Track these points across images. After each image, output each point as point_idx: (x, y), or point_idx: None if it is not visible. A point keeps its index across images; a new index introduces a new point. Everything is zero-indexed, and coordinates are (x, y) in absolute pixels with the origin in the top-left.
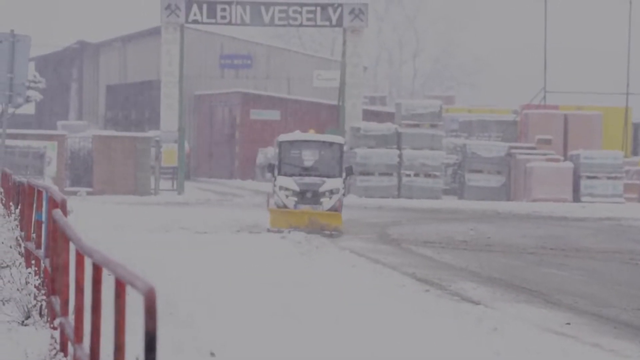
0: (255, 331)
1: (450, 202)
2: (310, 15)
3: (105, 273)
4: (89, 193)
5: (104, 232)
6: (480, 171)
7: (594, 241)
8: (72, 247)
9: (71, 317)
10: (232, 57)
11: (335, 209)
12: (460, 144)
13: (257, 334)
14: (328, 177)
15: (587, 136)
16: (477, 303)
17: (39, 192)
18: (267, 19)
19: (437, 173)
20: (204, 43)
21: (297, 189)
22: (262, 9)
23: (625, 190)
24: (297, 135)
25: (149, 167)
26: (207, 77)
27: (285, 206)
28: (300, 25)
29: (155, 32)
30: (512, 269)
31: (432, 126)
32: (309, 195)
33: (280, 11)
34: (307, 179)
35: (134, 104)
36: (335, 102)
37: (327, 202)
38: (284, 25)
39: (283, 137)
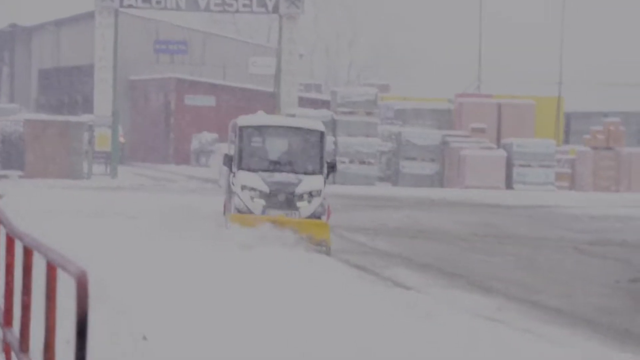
0: (190, 316)
1: (384, 189)
2: (247, 2)
3: (37, 257)
4: (20, 177)
5: (36, 216)
6: (414, 159)
7: (525, 228)
8: (2, 231)
9: (1, 300)
10: (167, 42)
11: (318, 217)
12: (395, 131)
13: (191, 320)
14: (305, 173)
15: (520, 125)
16: (410, 289)
17: None
18: (202, 4)
19: (372, 160)
20: (139, 28)
21: (266, 189)
22: None
23: (556, 179)
24: (262, 118)
25: (82, 152)
26: (142, 63)
27: (249, 211)
28: (237, 11)
29: (89, 16)
30: (445, 256)
31: (368, 114)
32: (281, 197)
33: None
34: (279, 176)
35: (67, 88)
36: (271, 89)
37: (305, 208)
38: (220, 12)
39: (244, 121)
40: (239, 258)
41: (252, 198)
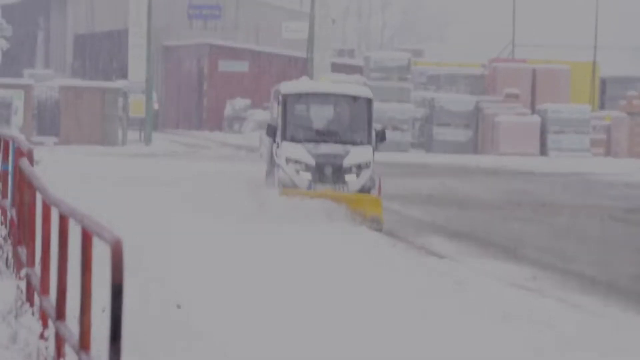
0: (224, 286)
1: (418, 156)
2: None
3: (72, 224)
4: (55, 143)
5: (72, 182)
6: (448, 125)
7: (560, 196)
8: (38, 198)
9: (37, 268)
10: (200, 7)
11: (367, 190)
12: (428, 97)
13: (225, 289)
14: (353, 144)
15: (555, 90)
16: (443, 257)
17: (5, 142)
18: None
19: (405, 126)
20: None
21: (312, 162)
22: None
23: (592, 145)
24: (307, 85)
25: (117, 118)
26: (176, 28)
27: (294, 185)
28: None
29: None
30: (480, 224)
31: (400, 79)
32: (328, 171)
33: None
34: (325, 147)
35: (102, 53)
36: (304, 55)
37: (354, 182)
38: None
39: (288, 88)
40: (275, 233)
41: (297, 171)
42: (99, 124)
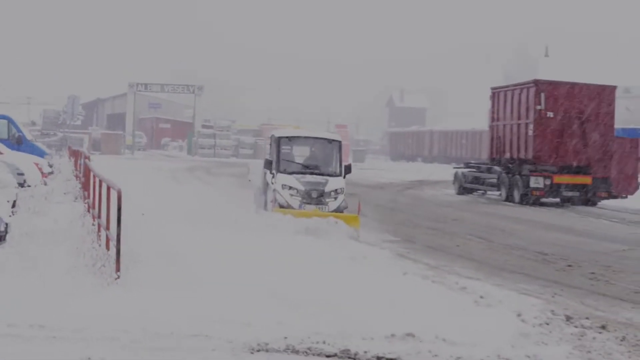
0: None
1: None
2: None
3: (104, 186)
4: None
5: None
6: None
7: None
8: (91, 175)
9: (90, 200)
10: None
11: (341, 210)
12: None
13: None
14: (329, 175)
15: None
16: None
17: (79, 152)
18: None
19: None
20: None
21: (302, 188)
22: None
23: None
24: (293, 131)
25: None
26: None
27: (289, 205)
28: None
29: None
30: None
31: None
32: (314, 194)
33: None
34: (311, 178)
35: None
36: None
37: (332, 203)
38: None
39: (279, 133)
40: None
41: (291, 195)
42: None
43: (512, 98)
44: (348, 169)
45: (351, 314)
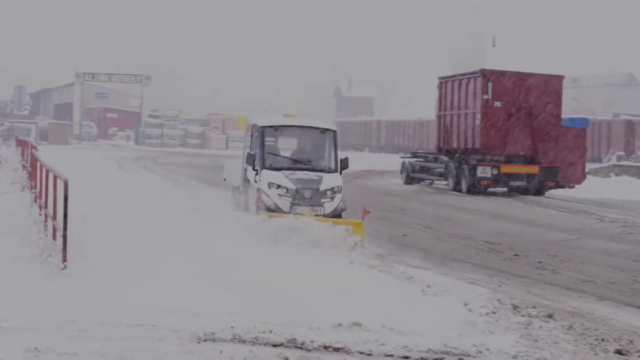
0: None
1: None
2: None
3: (50, 176)
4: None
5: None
6: None
7: None
8: (38, 165)
9: (37, 190)
10: None
11: (339, 212)
12: None
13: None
14: (323, 171)
15: None
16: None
17: (26, 142)
18: None
19: None
20: None
21: (292, 187)
22: None
23: None
24: (280, 119)
25: None
26: None
27: (278, 208)
28: None
29: None
30: None
31: None
32: (307, 194)
33: None
34: (302, 175)
35: None
36: None
37: (329, 204)
38: None
39: (262, 122)
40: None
41: (279, 196)
42: None
43: (460, 88)
44: (345, 164)
45: (299, 303)
